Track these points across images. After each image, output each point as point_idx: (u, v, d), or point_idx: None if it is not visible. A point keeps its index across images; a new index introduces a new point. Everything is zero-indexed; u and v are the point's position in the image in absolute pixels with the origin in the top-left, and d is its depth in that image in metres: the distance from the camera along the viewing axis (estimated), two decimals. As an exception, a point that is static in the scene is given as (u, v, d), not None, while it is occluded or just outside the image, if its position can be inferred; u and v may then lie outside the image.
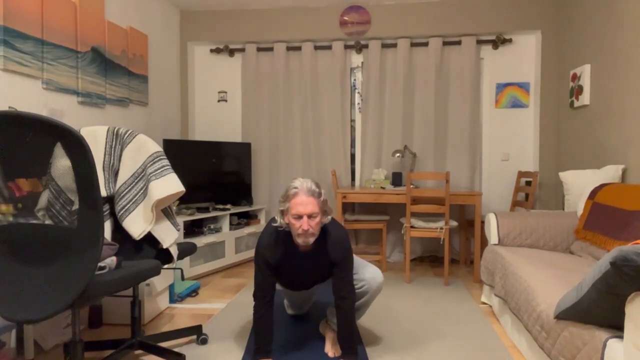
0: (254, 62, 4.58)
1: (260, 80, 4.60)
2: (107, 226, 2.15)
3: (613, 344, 1.43)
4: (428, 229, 3.56)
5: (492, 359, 2.21)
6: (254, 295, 2.13)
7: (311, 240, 2.01)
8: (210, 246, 3.80)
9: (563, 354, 1.69)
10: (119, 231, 2.15)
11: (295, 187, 1.99)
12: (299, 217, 1.97)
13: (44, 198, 1.55)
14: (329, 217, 2.10)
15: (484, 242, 4.19)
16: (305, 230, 1.96)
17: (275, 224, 2.09)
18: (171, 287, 3.09)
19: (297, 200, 1.97)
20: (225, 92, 4.76)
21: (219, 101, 4.78)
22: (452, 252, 4.39)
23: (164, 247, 2.12)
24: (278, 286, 2.42)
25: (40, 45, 2.69)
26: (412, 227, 3.60)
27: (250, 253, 4.29)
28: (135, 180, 2.10)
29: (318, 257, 2.13)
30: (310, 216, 1.97)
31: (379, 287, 2.25)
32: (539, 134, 4.21)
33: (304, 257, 2.13)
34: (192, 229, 3.85)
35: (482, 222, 3.93)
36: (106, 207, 2.16)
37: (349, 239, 2.16)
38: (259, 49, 4.58)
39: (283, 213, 2.04)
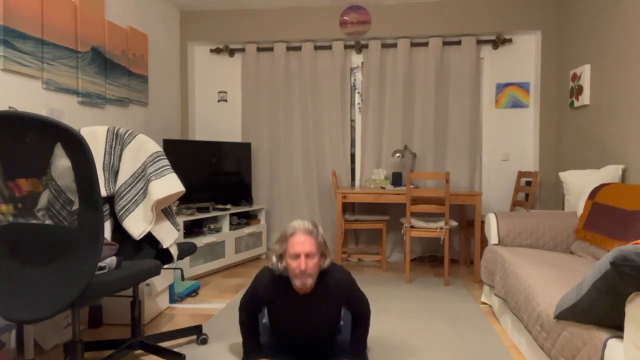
0: (254, 62, 4.58)
1: (260, 80, 4.60)
2: (107, 226, 2.15)
3: (613, 344, 1.43)
4: (428, 229, 3.56)
5: (492, 359, 2.21)
6: (240, 308, 2.13)
7: (309, 282, 1.94)
8: (210, 246, 3.80)
9: (563, 354, 1.69)
10: (119, 231, 2.15)
11: (293, 227, 1.97)
12: (297, 256, 1.91)
13: (44, 198, 1.55)
14: (328, 261, 2.03)
15: (484, 242, 4.19)
16: (302, 270, 1.90)
17: (271, 267, 2.04)
18: (171, 287, 3.09)
19: (294, 239, 1.94)
20: (225, 92, 4.76)
21: (219, 101, 4.78)
22: (452, 252, 4.39)
23: (164, 247, 2.12)
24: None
25: (40, 45, 2.69)
26: (412, 227, 3.60)
27: (250, 253, 4.28)
28: (135, 180, 2.10)
29: (321, 300, 2.04)
30: (308, 255, 1.92)
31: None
32: (539, 134, 4.20)
33: (305, 302, 2.03)
34: (192, 229, 3.85)
35: (482, 222, 3.93)
36: (106, 207, 2.16)
37: (351, 277, 2.11)
38: (259, 49, 4.58)
39: (280, 257, 2.00)
